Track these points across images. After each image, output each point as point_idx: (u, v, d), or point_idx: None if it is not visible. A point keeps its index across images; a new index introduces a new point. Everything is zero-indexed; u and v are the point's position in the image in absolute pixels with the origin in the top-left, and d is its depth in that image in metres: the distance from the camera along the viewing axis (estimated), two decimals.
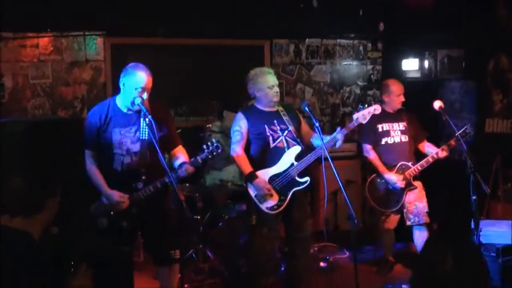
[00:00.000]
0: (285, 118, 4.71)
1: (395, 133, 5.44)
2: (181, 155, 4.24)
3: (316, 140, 4.73)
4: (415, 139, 5.49)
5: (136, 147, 4.07)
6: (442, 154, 5.17)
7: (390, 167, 5.39)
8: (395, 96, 5.44)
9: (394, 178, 5.32)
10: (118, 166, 4.05)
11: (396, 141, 5.43)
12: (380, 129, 5.46)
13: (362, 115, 4.56)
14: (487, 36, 6.14)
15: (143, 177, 4.05)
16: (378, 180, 5.45)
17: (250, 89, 4.72)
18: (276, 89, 4.67)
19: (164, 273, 4.35)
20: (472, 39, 6.35)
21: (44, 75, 6.28)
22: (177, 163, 4.19)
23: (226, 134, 6.03)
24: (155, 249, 4.34)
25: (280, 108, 4.78)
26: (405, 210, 5.39)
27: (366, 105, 4.67)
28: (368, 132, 5.48)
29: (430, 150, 5.36)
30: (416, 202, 5.36)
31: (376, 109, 4.60)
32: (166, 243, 4.22)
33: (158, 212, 4.18)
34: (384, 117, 5.36)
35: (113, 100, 4.18)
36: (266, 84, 4.63)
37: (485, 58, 6.35)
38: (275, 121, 4.67)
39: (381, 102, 5.46)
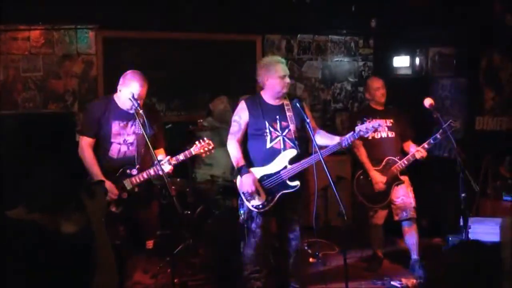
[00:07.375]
0: (289, 114, 4.63)
1: (382, 128, 5.37)
2: (161, 156, 4.46)
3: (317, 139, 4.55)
4: (401, 136, 5.52)
5: (131, 139, 4.40)
6: (422, 153, 5.21)
7: (377, 162, 5.43)
8: (374, 90, 5.53)
9: (378, 178, 5.36)
10: (115, 153, 4.36)
11: (383, 136, 5.46)
12: None
13: (365, 129, 4.50)
14: (479, 34, 6.16)
15: (138, 166, 4.37)
16: (365, 176, 5.47)
17: (260, 76, 4.65)
18: (287, 79, 4.62)
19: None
20: (463, 37, 6.38)
21: (35, 68, 6.26)
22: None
23: (215, 131, 6.00)
24: (132, 236, 4.43)
25: (286, 102, 4.69)
26: (392, 205, 5.43)
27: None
28: None
29: (412, 150, 5.36)
30: (403, 197, 5.38)
31: (380, 124, 4.55)
32: (144, 232, 4.51)
33: (144, 201, 4.46)
34: (372, 113, 5.36)
35: (113, 98, 4.44)
36: (278, 73, 4.57)
37: (477, 55, 6.37)
38: (277, 117, 4.60)
39: (367, 102, 5.64)
